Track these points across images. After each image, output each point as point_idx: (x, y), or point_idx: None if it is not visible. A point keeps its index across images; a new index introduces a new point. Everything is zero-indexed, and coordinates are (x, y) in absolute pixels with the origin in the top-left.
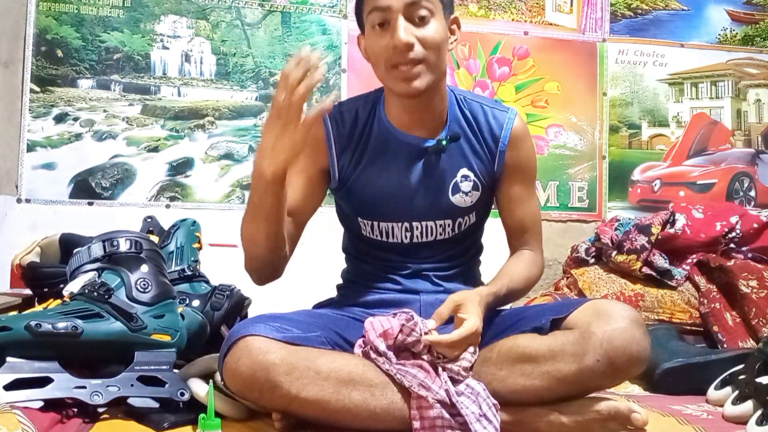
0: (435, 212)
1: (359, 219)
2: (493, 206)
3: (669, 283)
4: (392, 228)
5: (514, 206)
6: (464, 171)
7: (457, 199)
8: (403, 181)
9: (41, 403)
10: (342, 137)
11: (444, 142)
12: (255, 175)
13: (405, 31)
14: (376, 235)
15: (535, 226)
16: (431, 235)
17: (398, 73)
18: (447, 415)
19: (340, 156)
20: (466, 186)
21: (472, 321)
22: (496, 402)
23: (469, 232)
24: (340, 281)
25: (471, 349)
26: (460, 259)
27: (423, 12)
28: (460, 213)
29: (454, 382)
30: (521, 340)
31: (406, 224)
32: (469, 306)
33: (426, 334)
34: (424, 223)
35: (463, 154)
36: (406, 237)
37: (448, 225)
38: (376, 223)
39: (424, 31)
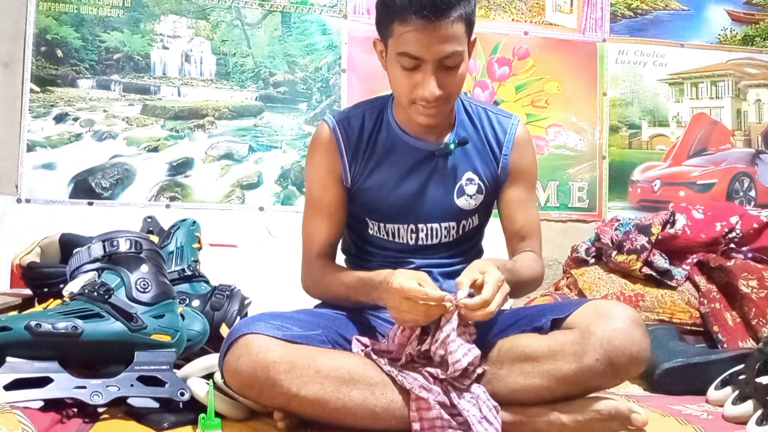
0: (440, 215)
1: (367, 219)
2: (493, 208)
3: (669, 283)
4: (398, 229)
5: (515, 211)
6: (469, 174)
7: (461, 202)
8: (410, 184)
9: (41, 403)
10: (351, 143)
11: (452, 146)
12: (384, 290)
13: (435, 84)
14: (382, 235)
15: (535, 231)
16: (436, 237)
17: (420, 109)
18: (446, 416)
19: (351, 161)
20: (470, 189)
21: (494, 273)
22: (496, 404)
23: (471, 235)
24: None
25: (472, 346)
26: (460, 260)
27: (453, 62)
28: (464, 215)
29: (455, 388)
30: (521, 340)
31: (412, 226)
32: (486, 266)
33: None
34: (429, 225)
35: (468, 158)
36: (411, 239)
37: (453, 227)
38: (382, 225)
39: (453, 78)
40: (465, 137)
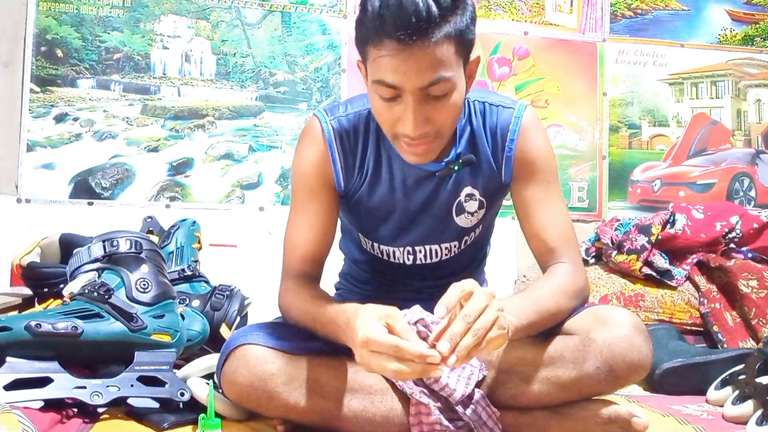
0: (439, 236)
1: (360, 235)
2: (501, 209)
3: (669, 283)
4: (393, 252)
5: (532, 210)
6: (468, 190)
7: (461, 220)
8: (405, 205)
9: (41, 403)
10: (344, 147)
11: (456, 167)
12: (349, 339)
13: (416, 121)
14: (377, 254)
15: (563, 232)
16: (436, 257)
17: (405, 145)
18: (446, 422)
19: (344, 167)
20: (470, 206)
21: (478, 292)
22: (496, 410)
23: (475, 244)
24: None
25: (476, 365)
26: (465, 271)
27: (441, 91)
28: (466, 233)
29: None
30: (520, 345)
31: (409, 248)
32: (474, 285)
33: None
34: (427, 247)
35: (467, 171)
36: (408, 259)
37: (454, 246)
38: (377, 245)
39: (441, 109)
40: (470, 157)
